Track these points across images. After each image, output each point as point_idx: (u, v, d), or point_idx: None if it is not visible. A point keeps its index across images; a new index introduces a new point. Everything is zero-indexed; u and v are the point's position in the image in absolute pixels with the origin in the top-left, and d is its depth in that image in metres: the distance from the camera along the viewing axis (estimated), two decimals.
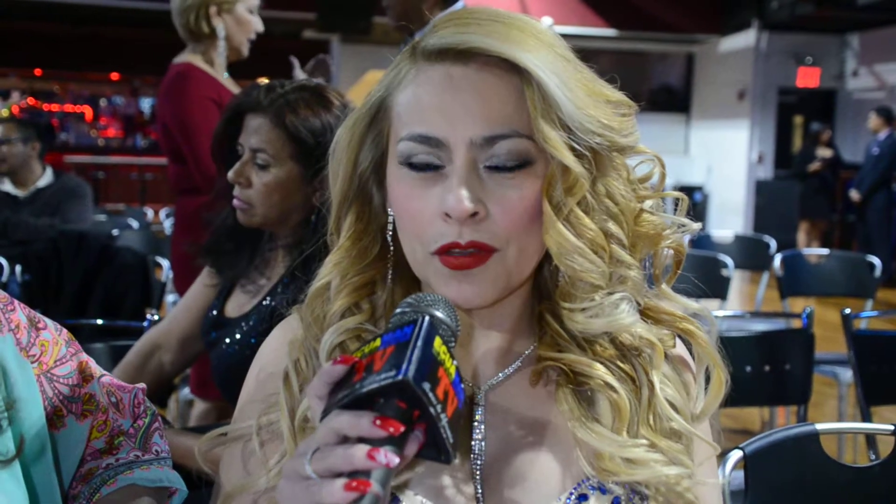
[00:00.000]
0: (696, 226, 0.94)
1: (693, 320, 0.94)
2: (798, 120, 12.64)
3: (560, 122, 0.83)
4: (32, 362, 0.98)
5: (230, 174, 1.69)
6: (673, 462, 0.88)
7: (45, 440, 0.96)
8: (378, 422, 0.69)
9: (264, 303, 1.71)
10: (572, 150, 0.84)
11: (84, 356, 1.06)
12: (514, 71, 0.84)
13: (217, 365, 1.76)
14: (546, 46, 0.85)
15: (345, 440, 0.70)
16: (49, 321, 1.05)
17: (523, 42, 0.84)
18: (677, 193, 0.95)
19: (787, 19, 11.14)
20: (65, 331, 1.06)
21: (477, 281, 0.86)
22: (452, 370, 0.74)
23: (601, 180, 0.87)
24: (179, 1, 2.76)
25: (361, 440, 0.69)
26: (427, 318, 0.75)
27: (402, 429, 0.69)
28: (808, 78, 12.21)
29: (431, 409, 0.70)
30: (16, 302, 1.01)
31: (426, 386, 0.70)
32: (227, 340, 1.72)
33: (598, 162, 0.87)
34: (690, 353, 0.97)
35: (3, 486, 0.88)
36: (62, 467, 1.00)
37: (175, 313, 1.93)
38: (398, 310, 0.80)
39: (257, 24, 2.84)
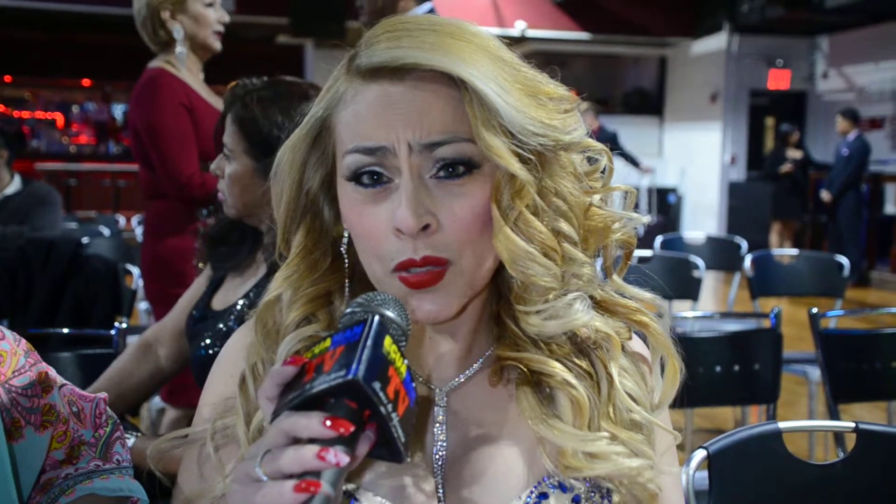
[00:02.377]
0: (645, 218, 0.94)
1: (647, 311, 0.94)
2: (770, 122, 12.78)
3: (501, 128, 0.82)
4: None
5: (211, 167, 1.80)
6: (635, 453, 0.88)
7: (1, 450, 0.95)
8: (328, 422, 0.69)
9: (240, 302, 1.73)
10: (517, 154, 0.83)
11: (44, 366, 1.05)
12: (451, 82, 0.83)
13: (195, 358, 1.77)
14: (481, 50, 0.85)
15: (295, 441, 0.70)
16: (7, 331, 1.04)
17: (458, 50, 0.83)
18: (626, 187, 0.94)
19: (758, 22, 11.25)
20: (23, 341, 1.05)
21: (439, 297, 0.85)
22: (403, 369, 0.74)
23: (549, 180, 0.87)
24: (136, 16, 2.77)
25: (312, 441, 0.69)
26: (377, 317, 0.75)
27: (353, 428, 0.69)
28: (778, 80, 12.34)
29: (382, 409, 0.70)
30: None
31: (376, 385, 0.70)
32: (208, 334, 1.74)
33: (544, 162, 0.86)
34: (645, 344, 0.98)
35: None
36: (21, 479, 0.99)
37: (174, 308, 1.96)
38: (348, 310, 0.79)
39: (220, 16, 2.82)
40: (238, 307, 1.73)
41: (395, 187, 0.84)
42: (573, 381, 0.89)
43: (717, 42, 12.28)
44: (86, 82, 14.84)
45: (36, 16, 11.21)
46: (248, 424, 0.89)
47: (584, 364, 0.91)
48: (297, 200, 0.92)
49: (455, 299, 0.86)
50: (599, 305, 0.93)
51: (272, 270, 1.66)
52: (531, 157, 0.84)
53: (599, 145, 0.93)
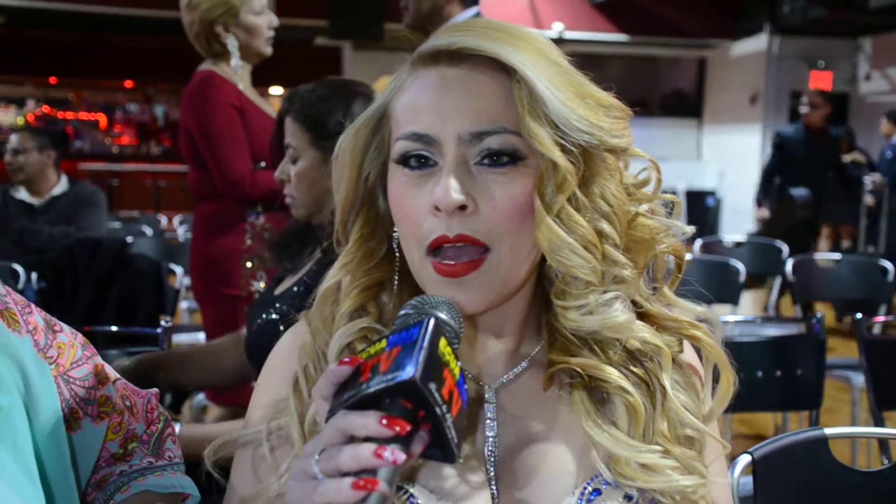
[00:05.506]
0: (690, 229, 0.96)
1: (700, 325, 0.95)
2: None
3: (547, 119, 0.85)
4: (49, 364, 1.00)
5: (275, 174, 1.86)
6: (688, 470, 0.89)
7: (61, 439, 0.98)
8: (385, 421, 0.70)
9: (294, 289, 1.78)
10: (560, 146, 0.85)
11: (99, 359, 1.08)
12: (504, 71, 0.86)
13: (250, 338, 1.84)
14: (537, 51, 0.88)
15: (351, 440, 0.72)
16: (65, 325, 1.07)
17: (513, 44, 0.87)
18: (671, 196, 0.96)
19: (799, 23, 11.10)
20: (80, 335, 1.08)
21: (471, 287, 0.87)
22: (457, 371, 0.75)
23: (593, 180, 0.89)
24: (188, 28, 2.83)
25: (368, 440, 0.70)
26: (432, 319, 0.76)
27: (409, 428, 0.70)
28: (820, 82, 12.15)
29: (437, 409, 0.71)
30: (33, 305, 1.04)
31: (432, 386, 0.71)
32: (263, 316, 1.80)
33: (588, 160, 0.88)
34: (698, 355, 0.99)
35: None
36: (79, 468, 1.02)
37: None
38: (402, 312, 0.82)
39: (270, 21, 2.87)
40: (294, 290, 1.78)
41: (438, 170, 0.87)
42: (629, 387, 0.90)
43: (757, 43, 12.14)
44: (128, 84, 15.07)
45: (80, 18, 11.41)
46: (302, 425, 0.91)
47: (639, 372, 0.92)
48: (356, 188, 0.95)
49: (485, 294, 0.88)
50: (650, 319, 0.94)
51: (326, 254, 1.71)
52: (573, 149, 0.86)
53: (647, 156, 0.94)
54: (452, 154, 0.86)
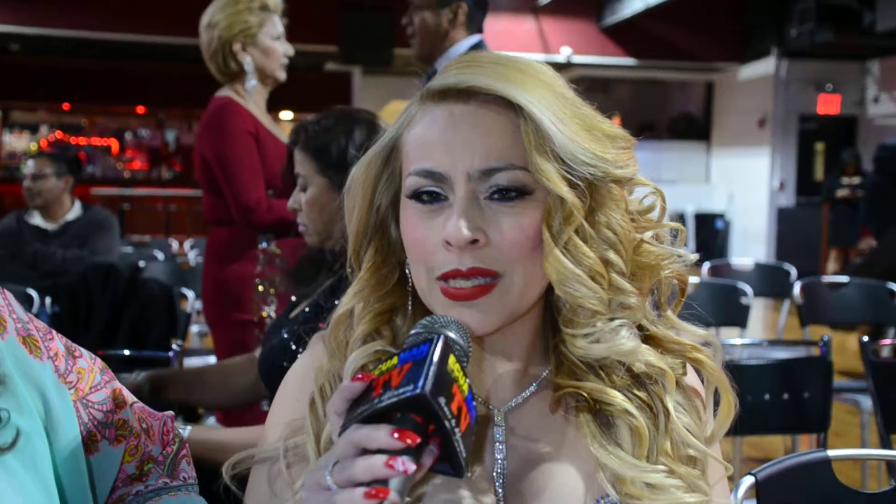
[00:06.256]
0: (693, 257, 0.98)
1: (703, 349, 0.97)
2: (819, 147, 12.62)
3: (553, 154, 0.88)
4: (69, 388, 1.03)
5: (288, 203, 1.94)
6: (691, 488, 0.92)
7: (80, 462, 1.00)
8: (396, 434, 0.73)
9: (306, 310, 1.84)
10: (567, 181, 0.88)
11: (117, 384, 1.11)
12: (511, 108, 0.89)
13: (264, 357, 1.89)
14: (544, 85, 0.91)
15: (363, 452, 0.75)
16: (84, 350, 1.10)
17: (520, 81, 0.89)
18: (676, 224, 0.99)
19: (807, 47, 11.15)
20: (98, 360, 1.11)
21: (479, 309, 0.90)
22: (465, 388, 0.78)
23: (599, 210, 0.91)
24: (206, 47, 2.87)
25: (380, 452, 0.74)
26: (442, 337, 0.80)
27: (419, 440, 0.74)
28: (828, 105, 12.20)
29: (447, 423, 0.74)
30: (54, 332, 1.07)
31: (442, 400, 0.74)
32: (277, 338, 1.85)
33: (594, 192, 0.91)
34: (700, 377, 1.01)
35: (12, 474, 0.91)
36: (97, 489, 1.04)
37: None
38: (413, 331, 0.85)
39: (286, 49, 2.93)
40: (305, 311, 1.83)
41: (450, 204, 0.90)
42: (633, 410, 0.92)
43: (765, 67, 12.20)
44: (140, 109, 15.22)
45: (92, 45, 11.55)
46: (318, 443, 0.94)
47: (643, 395, 0.94)
48: (367, 217, 0.98)
49: (495, 316, 0.90)
50: (654, 342, 0.96)
51: (336, 276, 1.75)
52: (580, 183, 0.89)
53: (652, 184, 0.97)
54: (462, 191, 0.89)
